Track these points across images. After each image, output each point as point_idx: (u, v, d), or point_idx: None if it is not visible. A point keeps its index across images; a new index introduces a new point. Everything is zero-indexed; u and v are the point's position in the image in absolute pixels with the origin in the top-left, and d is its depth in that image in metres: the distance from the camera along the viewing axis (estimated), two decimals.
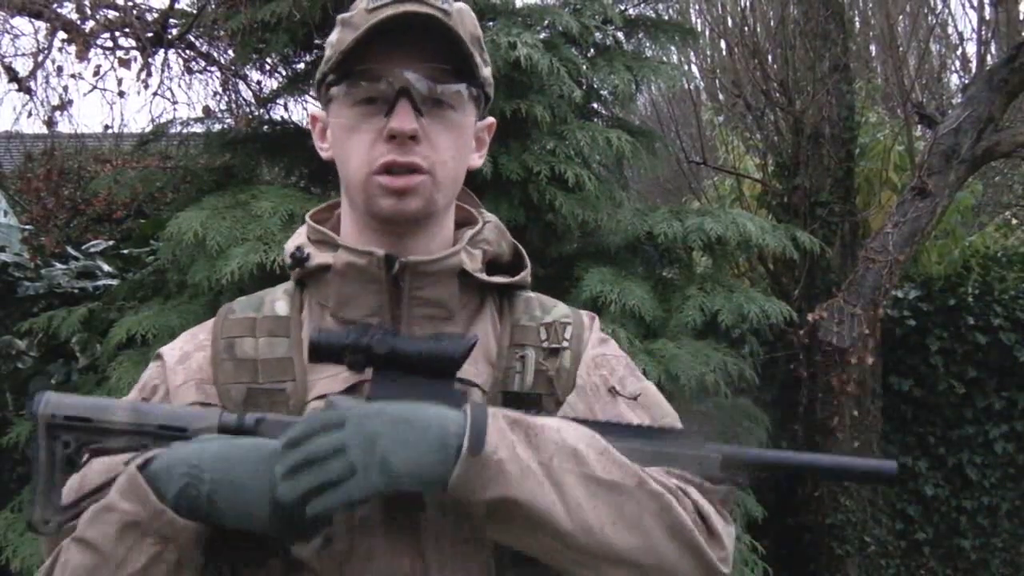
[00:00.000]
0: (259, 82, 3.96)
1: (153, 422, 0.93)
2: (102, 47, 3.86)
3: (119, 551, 0.87)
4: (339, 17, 1.05)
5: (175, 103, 5.24)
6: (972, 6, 7.53)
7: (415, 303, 1.03)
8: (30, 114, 4.10)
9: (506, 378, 1.03)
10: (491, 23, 3.28)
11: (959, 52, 8.31)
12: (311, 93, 3.70)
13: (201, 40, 3.90)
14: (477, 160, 1.10)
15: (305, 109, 3.97)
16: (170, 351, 1.07)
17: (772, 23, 5.65)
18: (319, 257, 1.05)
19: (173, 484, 0.87)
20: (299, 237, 1.10)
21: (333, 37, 1.05)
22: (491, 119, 1.14)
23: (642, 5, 3.87)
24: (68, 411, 0.93)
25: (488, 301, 1.10)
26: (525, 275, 1.12)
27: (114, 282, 4.26)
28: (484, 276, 1.07)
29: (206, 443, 0.89)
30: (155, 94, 3.98)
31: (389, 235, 1.03)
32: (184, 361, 1.05)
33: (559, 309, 1.11)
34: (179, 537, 0.87)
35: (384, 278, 1.02)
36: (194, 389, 1.02)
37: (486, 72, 1.06)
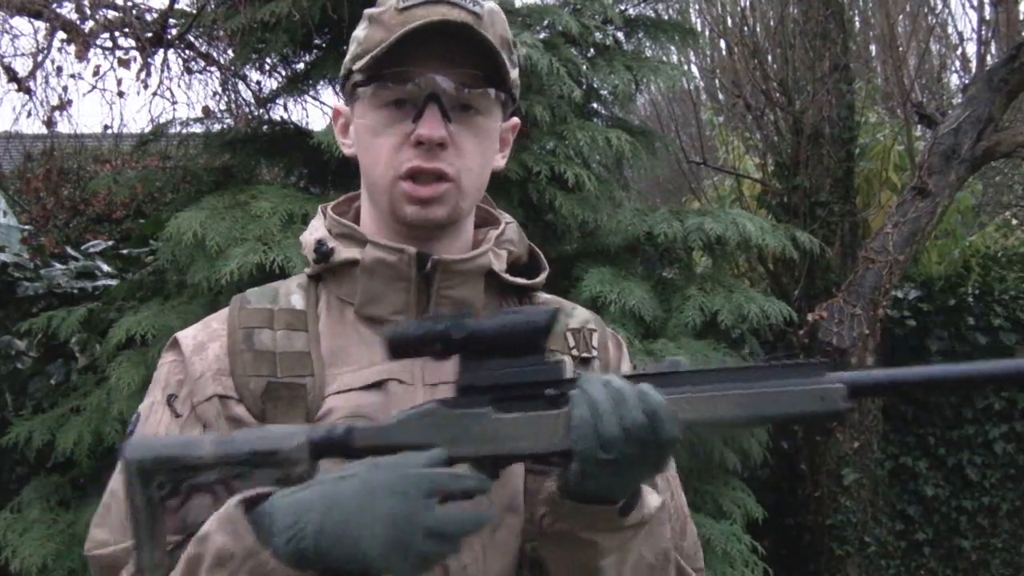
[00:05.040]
0: (259, 82, 3.95)
1: (242, 449, 0.90)
2: (102, 47, 3.85)
3: None
4: (367, 13, 1.04)
5: (175, 103, 5.22)
6: (972, 6, 7.52)
7: (443, 302, 1.03)
8: (30, 114, 4.06)
9: None
10: None
11: (959, 52, 8.29)
12: (311, 93, 3.70)
13: (201, 40, 3.89)
14: (500, 161, 1.10)
15: (305, 110, 3.98)
16: (185, 339, 1.05)
17: (772, 23, 5.63)
18: (345, 252, 1.04)
19: (278, 537, 0.83)
20: (318, 230, 1.08)
21: (360, 33, 1.03)
22: (515, 119, 1.13)
23: (642, 5, 3.87)
24: (155, 452, 0.91)
25: (507, 302, 1.11)
26: (544, 277, 1.12)
27: (114, 282, 4.25)
28: (509, 277, 1.07)
29: (311, 488, 0.85)
30: (155, 94, 3.95)
31: (413, 236, 1.03)
32: (200, 352, 1.03)
33: (580, 313, 1.13)
34: None
35: (414, 276, 1.02)
36: (211, 381, 1.00)
37: (514, 74, 1.05)
